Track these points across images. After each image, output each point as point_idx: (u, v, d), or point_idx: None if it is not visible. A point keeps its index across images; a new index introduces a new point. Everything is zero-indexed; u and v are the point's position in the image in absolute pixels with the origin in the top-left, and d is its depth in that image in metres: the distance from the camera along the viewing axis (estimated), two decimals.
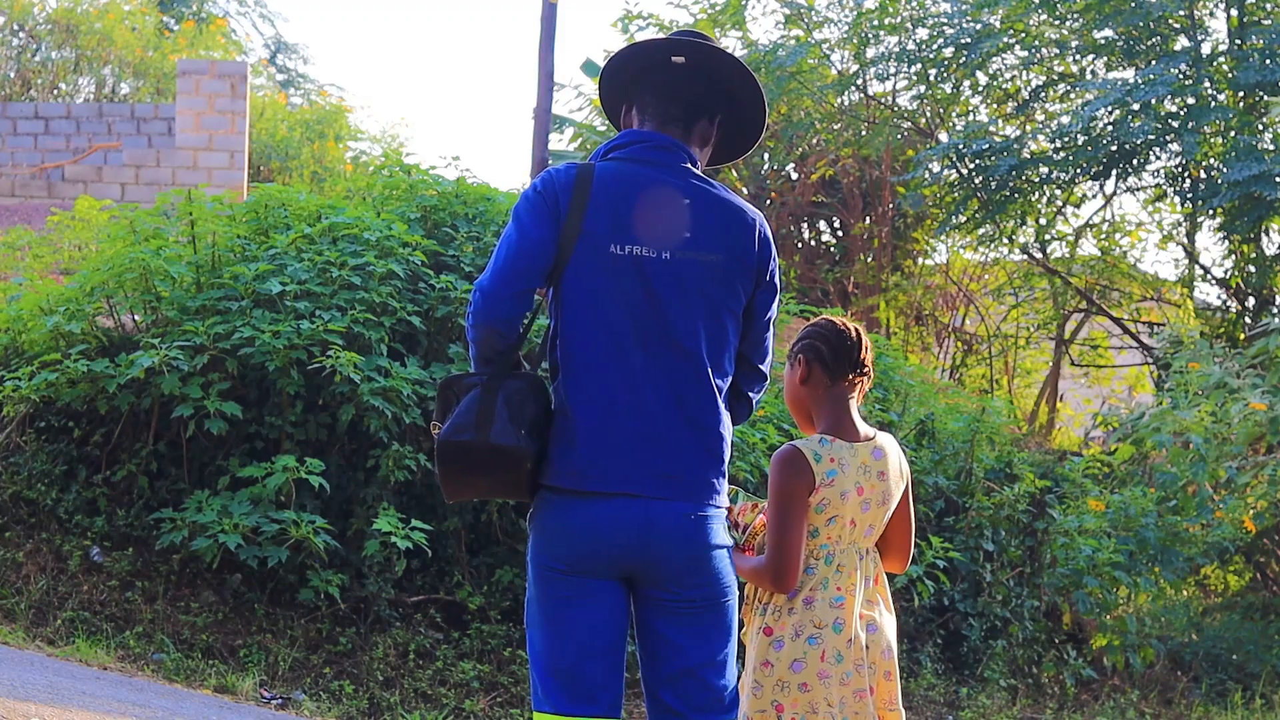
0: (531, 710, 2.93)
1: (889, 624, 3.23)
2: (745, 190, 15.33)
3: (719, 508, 2.92)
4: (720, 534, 2.90)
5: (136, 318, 6.87)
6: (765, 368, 3.05)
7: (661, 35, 3.08)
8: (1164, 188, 13.09)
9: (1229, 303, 12.77)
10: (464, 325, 6.70)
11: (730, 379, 2.97)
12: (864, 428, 3.21)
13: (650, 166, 2.91)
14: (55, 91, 17.18)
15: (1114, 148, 11.75)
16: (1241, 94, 11.79)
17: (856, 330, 3.20)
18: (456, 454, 2.82)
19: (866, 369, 3.19)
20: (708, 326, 2.87)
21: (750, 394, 3.05)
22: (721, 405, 2.91)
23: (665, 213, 2.86)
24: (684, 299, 2.85)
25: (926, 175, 12.76)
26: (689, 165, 2.95)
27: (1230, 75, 11.62)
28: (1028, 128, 13.45)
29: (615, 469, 2.80)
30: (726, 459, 2.94)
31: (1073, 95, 13.08)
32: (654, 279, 2.83)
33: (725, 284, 2.88)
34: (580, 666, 2.82)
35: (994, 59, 13.03)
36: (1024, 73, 13.68)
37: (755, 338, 3.00)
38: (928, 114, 14.27)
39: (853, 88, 14.14)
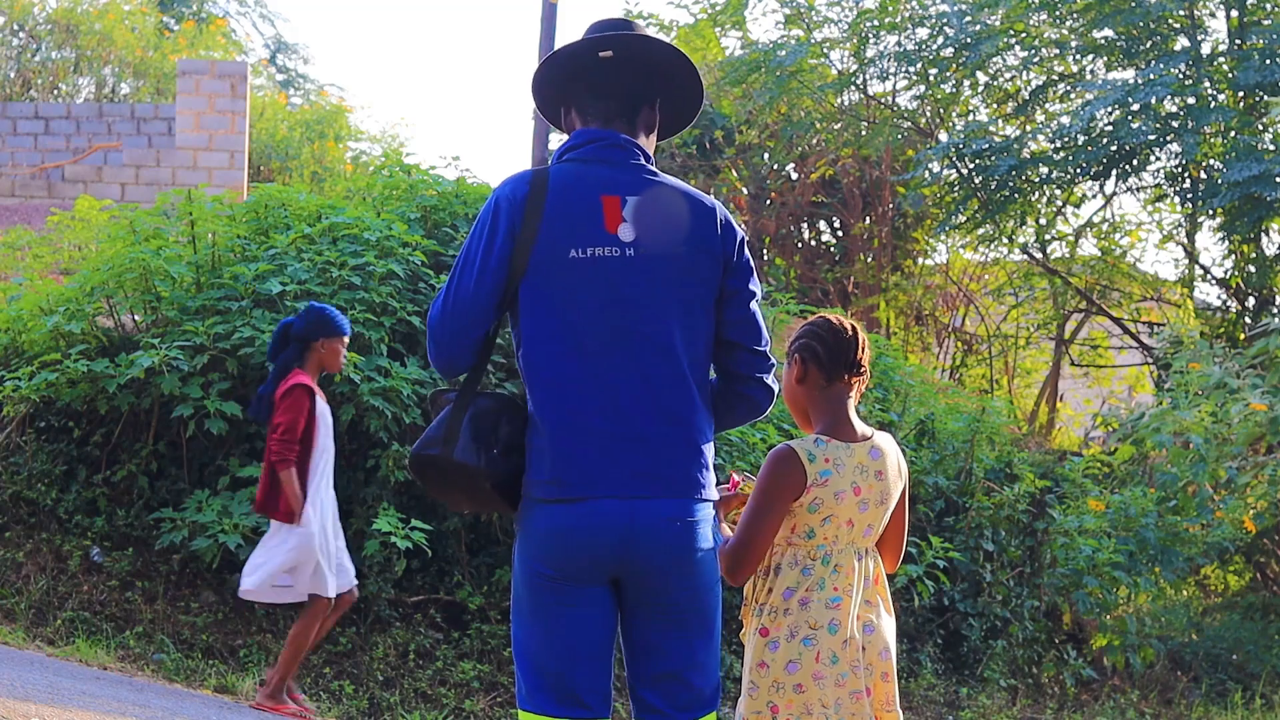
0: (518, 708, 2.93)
1: (888, 626, 3.22)
2: (745, 190, 15.34)
3: (705, 502, 2.90)
4: (706, 536, 2.88)
5: (136, 318, 6.87)
6: (764, 347, 2.99)
7: (583, 34, 3.04)
8: (1164, 188, 13.09)
9: (1229, 303, 12.77)
10: None
11: (708, 370, 2.95)
12: (861, 427, 3.20)
13: (604, 166, 2.89)
14: (55, 91, 17.18)
15: (1114, 148, 11.74)
16: (1241, 94, 11.78)
17: (853, 329, 3.18)
18: (425, 467, 2.87)
19: (863, 369, 3.17)
20: (680, 321, 2.85)
21: (760, 376, 2.99)
22: (700, 399, 2.89)
23: (623, 212, 2.84)
24: (652, 295, 2.82)
25: (926, 175, 12.75)
26: (642, 161, 2.94)
27: (1230, 75, 11.62)
28: (1028, 128, 13.44)
29: (595, 473, 2.79)
30: (709, 453, 2.91)
31: (1073, 95, 13.07)
32: (619, 279, 2.81)
33: (693, 275, 2.86)
34: (567, 670, 2.82)
35: (994, 59, 13.02)
36: (1024, 73, 13.67)
37: (742, 320, 2.95)
38: (928, 114, 14.26)
39: (852, 87, 14.14)
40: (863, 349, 3.17)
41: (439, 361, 2.89)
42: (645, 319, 2.81)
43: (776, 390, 3.04)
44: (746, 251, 2.97)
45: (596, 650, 2.84)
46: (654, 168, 2.94)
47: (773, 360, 3.02)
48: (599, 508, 2.78)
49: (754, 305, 2.96)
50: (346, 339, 5.31)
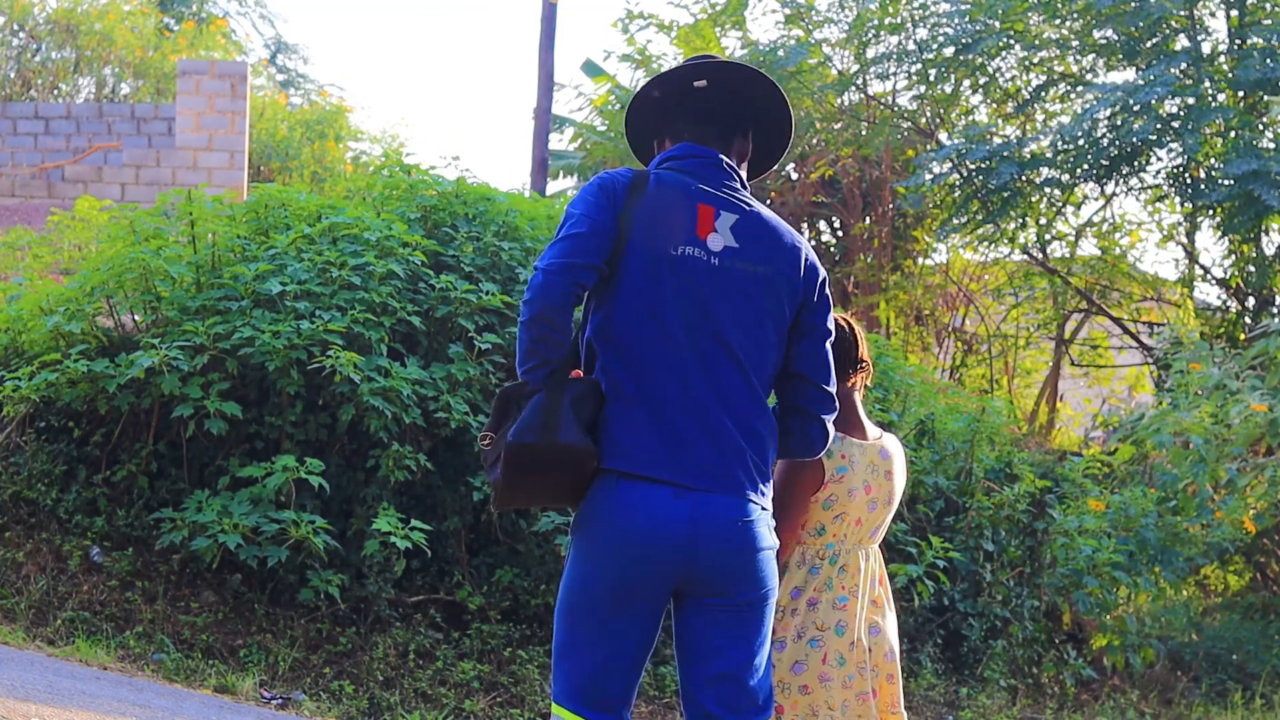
0: (549, 702, 2.95)
1: (891, 623, 3.23)
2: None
3: (765, 508, 2.91)
4: (765, 535, 2.89)
5: (136, 318, 6.87)
6: (830, 388, 3.00)
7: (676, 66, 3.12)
8: (1164, 188, 13.08)
9: (1229, 303, 12.76)
10: (466, 326, 6.71)
11: (770, 389, 2.96)
12: (872, 428, 3.24)
13: (703, 180, 2.97)
14: (55, 91, 17.18)
15: (1114, 149, 11.73)
16: (1242, 94, 11.78)
17: (851, 327, 3.23)
18: (525, 455, 2.82)
19: (865, 364, 3.22)
20: (751, 332, 2.90)
21: (823, 417, 3.00)
22: (765, 411, 2.92)
23: (715, 223, 2.92)
24: (730, 302, 2.89)
25: (928, 177, 12.74)
26: (738, 185, 3.02)
27: (1230, 75, 11.61)
28: (1028, 129, 13.43)
29: (666, 459, 2.82)
30: (770, 462, 2.94)
31: (1073, 96, 13.06)
32: (704, 280, 2.88)
33: (770, 296, 2.92)
34: (606, 677, 2.86)
35: (994, 59, 13.02)
36: (1024, 73, 13.67)
37: (813, 354, 2.98)
38: (928, 114, 14.26)
39: (853, 88, 14.14)
40: (863, 345, 3.22)
41: (544, 293, 2.83)
42: (722, 323, 2.88)
43: (832, 436, 3.04)
44: (827, 290, 3.02)
45: (637, 660, 2.89)
46: (749, 194, 3.02)
47: (836, 405, 3.03)
48: (665, 498, 2.80)
49: (827, 345, 3.00)
50: None
